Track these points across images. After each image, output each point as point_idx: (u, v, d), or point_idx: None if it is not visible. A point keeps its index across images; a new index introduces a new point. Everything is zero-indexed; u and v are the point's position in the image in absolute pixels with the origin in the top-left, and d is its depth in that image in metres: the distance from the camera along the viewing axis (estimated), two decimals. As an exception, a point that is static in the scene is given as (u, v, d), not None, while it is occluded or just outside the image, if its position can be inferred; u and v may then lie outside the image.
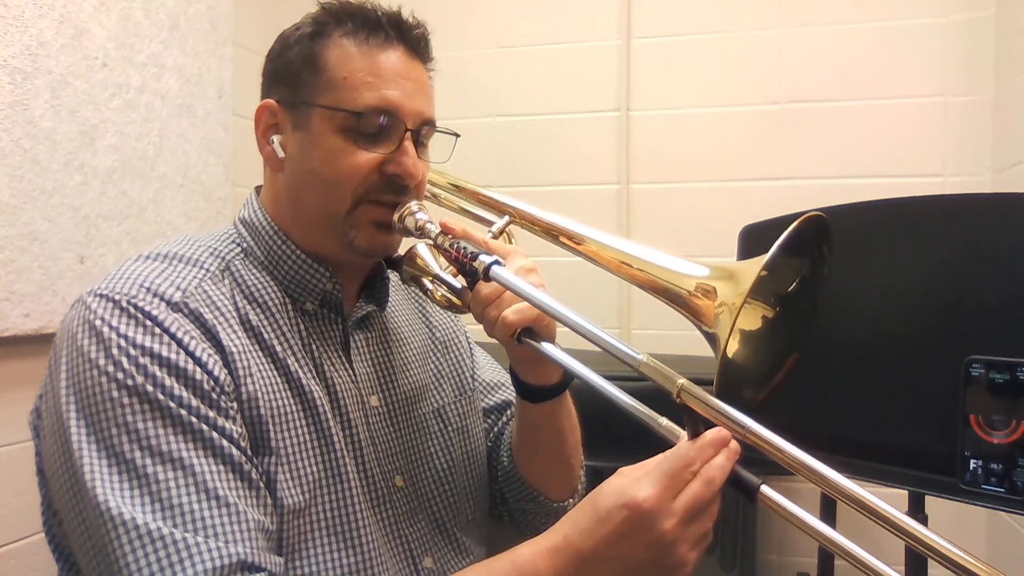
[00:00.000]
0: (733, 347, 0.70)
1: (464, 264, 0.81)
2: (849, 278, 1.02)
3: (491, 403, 1.07)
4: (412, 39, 0.85)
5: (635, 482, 0.64)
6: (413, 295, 1.04)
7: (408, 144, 0.83)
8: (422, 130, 0.86)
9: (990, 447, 0.87)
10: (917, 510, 1.08)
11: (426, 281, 0.94)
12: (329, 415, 0.82)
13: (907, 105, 1.89)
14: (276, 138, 0.84)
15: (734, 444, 0.66)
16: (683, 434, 0.67)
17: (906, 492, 1.06)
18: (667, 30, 2.05)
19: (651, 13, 2.06)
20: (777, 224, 1.21)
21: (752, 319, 0.75)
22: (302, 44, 0.84)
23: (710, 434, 0.65)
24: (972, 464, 0.88)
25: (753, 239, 1.25)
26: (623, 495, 0.64)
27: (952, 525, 1.77)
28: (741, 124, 2.00)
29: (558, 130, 2.12)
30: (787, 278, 0.75)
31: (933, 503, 1.02)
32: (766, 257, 0.68)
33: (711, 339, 0.71)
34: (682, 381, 0.65)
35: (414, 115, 0.83)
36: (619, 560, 0.64)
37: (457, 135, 0.92)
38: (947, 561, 0.54)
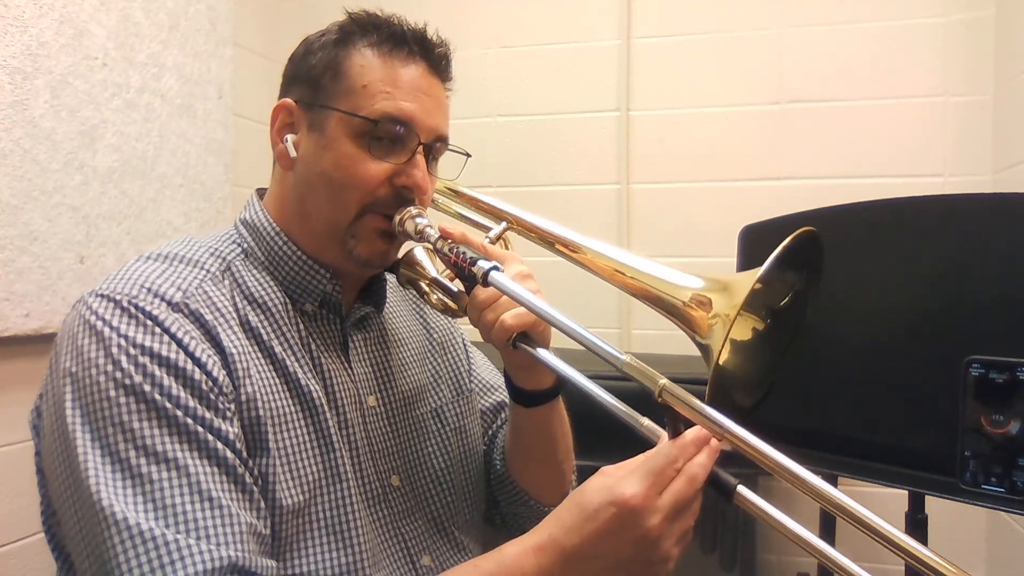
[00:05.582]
0: (724, 356, 0.71)
1: (463, 269, 0.81)
2: (849, 278, 1.02)
3: (487, 404, 1.07)
4: (434, 57, 0.86)
5: (621, 480, 0.65)
6: (410, 297, 1.05)
7: (419, 157, 0.84)
8: (435, 146, 0.87)
9: (990, 447, 0.87)
10: (917, 510, 1.08)
11: (423, 285, 0.95)
12: (328, 415, 0.82)
13: (907, 105, 1.89)
14: (290, 137, 0.85)
15: (715, 443, 0.67)
16: (664, 434, 0.68)
17: (906, 492, 1.06)
18: (667, 30, 2.05)
19: (651, 13, 2.06)
20: (777, 224, 1.22)
21: (743, 330, 0.76)
22: (326, 49, 0.85)
23: (691, 433, 0.66)
24: (972, 464, 0.88)
25: (753, 239, 1.25)
26: (610, 492, 0.64)
27: (952, 525, 1.78)
28: (741, 124, 2.00)
29: (558, 130, 2.12)
30: (780, 292, 0.76)
31: (933, 503, 1.02)
32: (760, 270, 0.69)
33: (704, 350, 0.72)
34: (663, 381, 0.66)
35: (428, 130, 0.84)
36: (604, 557, 0.65)
37: (468, 155, 0.93)
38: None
